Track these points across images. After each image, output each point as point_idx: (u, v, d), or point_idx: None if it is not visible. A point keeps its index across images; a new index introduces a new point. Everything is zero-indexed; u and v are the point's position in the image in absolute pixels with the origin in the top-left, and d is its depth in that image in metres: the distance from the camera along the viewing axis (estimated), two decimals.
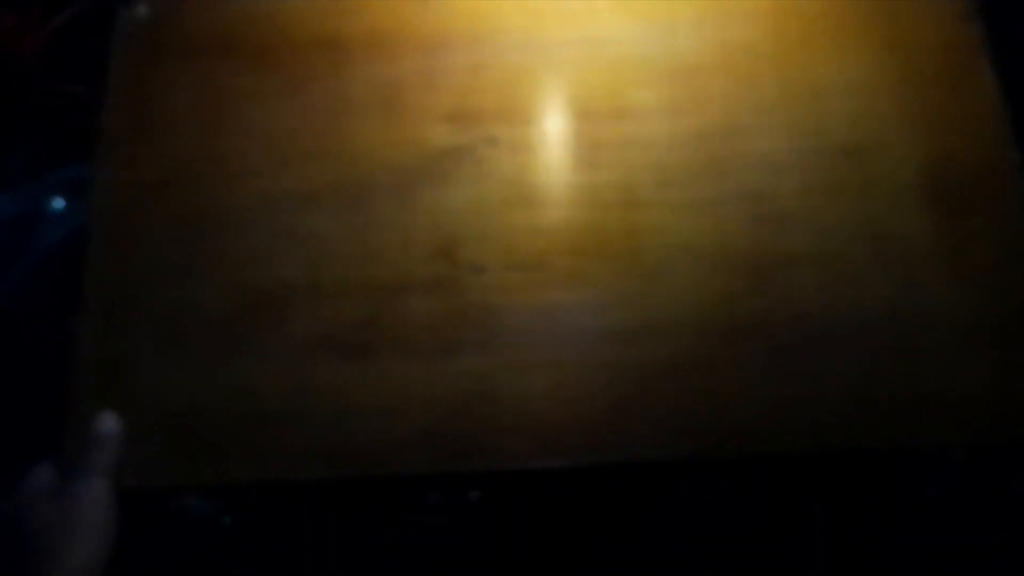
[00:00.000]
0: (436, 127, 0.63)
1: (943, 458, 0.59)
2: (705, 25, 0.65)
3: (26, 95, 0.75)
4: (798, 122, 0.63)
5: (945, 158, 0.62)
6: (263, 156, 0.62)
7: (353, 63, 0.64)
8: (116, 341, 0.58)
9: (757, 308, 0.58)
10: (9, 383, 0.72)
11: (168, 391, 0.56)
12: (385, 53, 0.64)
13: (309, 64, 0.64)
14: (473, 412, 0.55)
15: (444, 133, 0.63)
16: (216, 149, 0.62)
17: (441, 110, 0.63)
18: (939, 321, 0.58)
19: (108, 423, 0.55)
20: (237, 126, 0.63)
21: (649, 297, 0.58)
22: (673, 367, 0.57)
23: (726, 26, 0.65)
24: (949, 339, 0.58)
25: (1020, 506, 0.62)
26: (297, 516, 0.65)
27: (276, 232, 0.60)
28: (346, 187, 0.61)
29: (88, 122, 0.68)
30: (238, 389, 0.56)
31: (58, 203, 0.75)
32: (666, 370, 0.57)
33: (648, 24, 0.65)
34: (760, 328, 0.58)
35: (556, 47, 0.65)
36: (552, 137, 0.63)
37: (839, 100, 0.64)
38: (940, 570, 0.63)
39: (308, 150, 0.62)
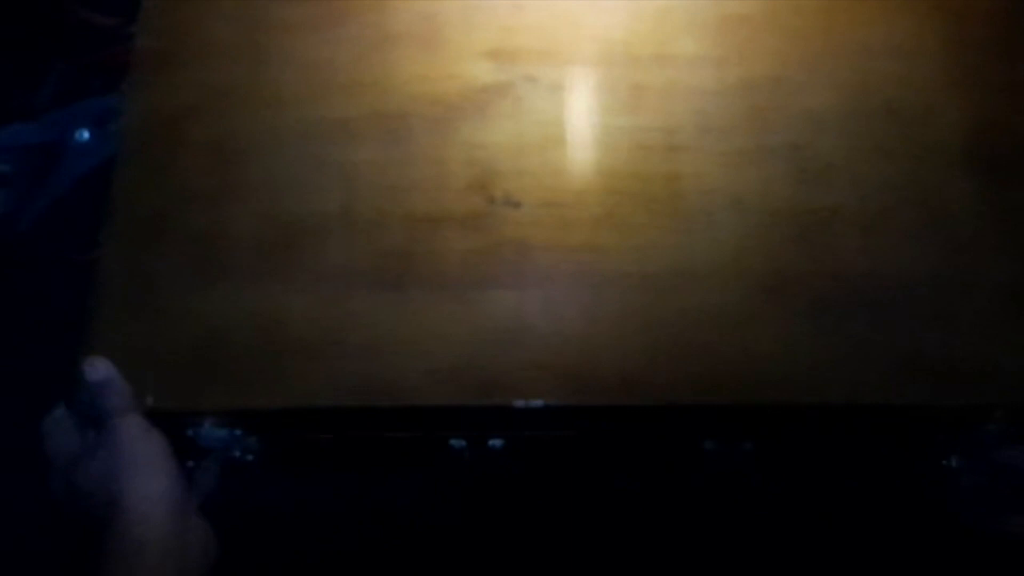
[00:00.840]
0: (476, 63, 0.62)
1: (978, 425, 0.57)
2: None
3: (56, 25, 0.74)
4: (844, 80, 0.62)
5: (991, 125, 0.61)
6: (300, 86, 0.61)
7: None
8: (142, 264, 0.56)
9: (798, 261, 0.57)
10: (29, 311, 0.71)
11: (194, 316, 0.55)
12: None
13: None
14: (504, 348, 0.54)
15: (484, 70, 0.62)
16: (252, 78, 0.61)
17: (481, 47, 0.62)
18: (983, 286, 0.57)
19: (100, 370, 0.53)
20: (274, 56, 0.62)
21: (688, 243, 0.57)
22: (710, 315, 0.55)
23: None
24: (992, 305, 0.56)
25: None
26: (319, 461, 0.64)
27: (310, 161, 0.59)
28: (383, 119, 0.60)
29: (117, 54, 0.67)
30: (266, 316, 0.55)
31: (84, 135, 0.74)
32: (703, 317, 0.55)
33: None
34: (801, 282, 0.56)
35: None
36: (593, 78, 0.62)
37: (886, 61, 0.63)
38: (959, 541, 0.62)
39: (345, 81, 0.61)
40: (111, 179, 0.59)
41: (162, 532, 0.50)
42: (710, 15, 0.64)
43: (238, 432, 0.55)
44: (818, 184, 0.59)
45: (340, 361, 0.54)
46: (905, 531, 0.68)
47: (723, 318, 0.55)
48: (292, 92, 0.61)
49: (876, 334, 0.55)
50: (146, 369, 0.53)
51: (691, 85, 0.62)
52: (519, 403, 0.53)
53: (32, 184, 0.74)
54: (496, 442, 0.59)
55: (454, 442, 0.59)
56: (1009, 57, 0.63)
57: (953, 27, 0.64)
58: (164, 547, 0.50)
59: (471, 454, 0.61)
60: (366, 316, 0.55)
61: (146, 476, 0.51)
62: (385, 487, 0.69)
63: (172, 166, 0.59)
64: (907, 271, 0.57)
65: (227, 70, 0.61)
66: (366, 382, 0.53)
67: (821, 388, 0.54)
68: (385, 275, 0.56)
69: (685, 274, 0.56)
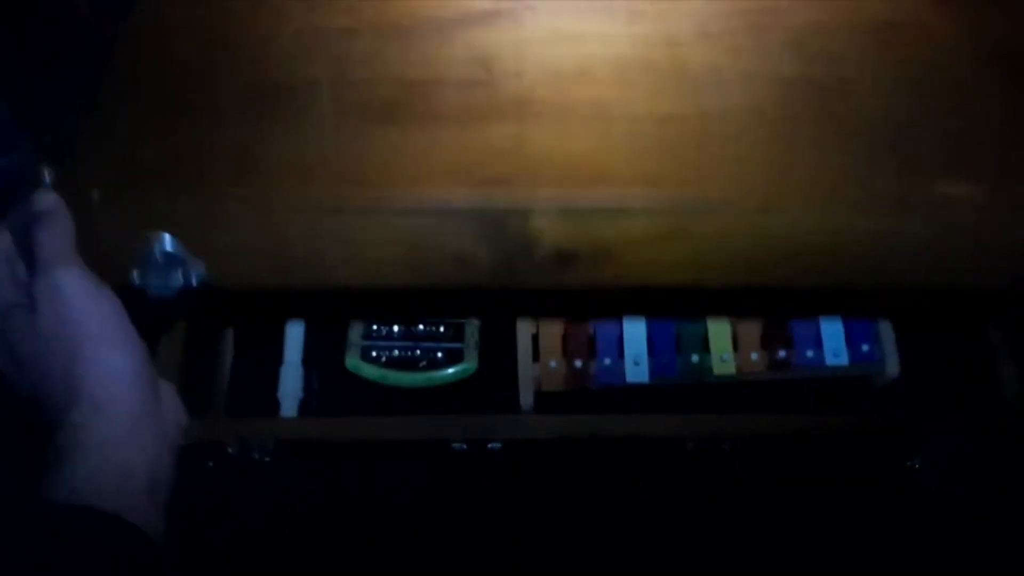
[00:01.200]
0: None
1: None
2: None
3: (69, 34, 0.76)
4: (837, 6, 0.63)
5: (995, 37, 0.61)
6: (297, 6, 0.61)
7: None
8: (119, 117, 0.52)
9: (824, 120, 0.54)
10: None
11: (168, 150, 0.50)
12: None
13: None
14: (510, 157, 0.49)
15: (484, 3, 0.63)
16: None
17: None
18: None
19: (51, 200, 0.47)
20: None
21: (703, 99, 0.54)
22: (734, 148, 0.51)
23: None
24: None
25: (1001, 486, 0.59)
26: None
27: (303, 48, 0.57)
28: (381, 25, 0.59)
29: None
30: (244, 144, 0.50)
31: None
32: (727, 147, 0.51)
33: None
34: (834, 129, 0.53)
35: None
36: (591, 5, 0.63)
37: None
38: (921, 544, 0.60)
39: (344, 7, 0.61)
40: None
41: (133, 408, 0.42)
42: None
43: (197, 273, 0.47)
44: (829, 65, 0.57)
45: (322, 176, 0.48)
46: (874, 527, 0.62)
47: (750, 134, 0.51)
48: (291, 8, 0.61)
49: (908, 180, 0.50)
50: (104, 184, 0.47)
51: (687, 8, 0.63)
52: (527, 197, 0.46)
53: None
54: (495, 444, 0.56)
55: (455, 445, 0.55)
56: None
57: None
58: (137, 426, 0.42)
59: (471, 456, 0.57)
60: (354, 142, 0.50)
61: (108, 349, 0.43)
62: (386, 488, 0.60)
63: (158, 46, 0.57)
64: (942, 128, 0.54)
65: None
66: (349, 193, 0.47)
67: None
68: (377, 116, 0.52)
69: (703, 113, 0.53)
